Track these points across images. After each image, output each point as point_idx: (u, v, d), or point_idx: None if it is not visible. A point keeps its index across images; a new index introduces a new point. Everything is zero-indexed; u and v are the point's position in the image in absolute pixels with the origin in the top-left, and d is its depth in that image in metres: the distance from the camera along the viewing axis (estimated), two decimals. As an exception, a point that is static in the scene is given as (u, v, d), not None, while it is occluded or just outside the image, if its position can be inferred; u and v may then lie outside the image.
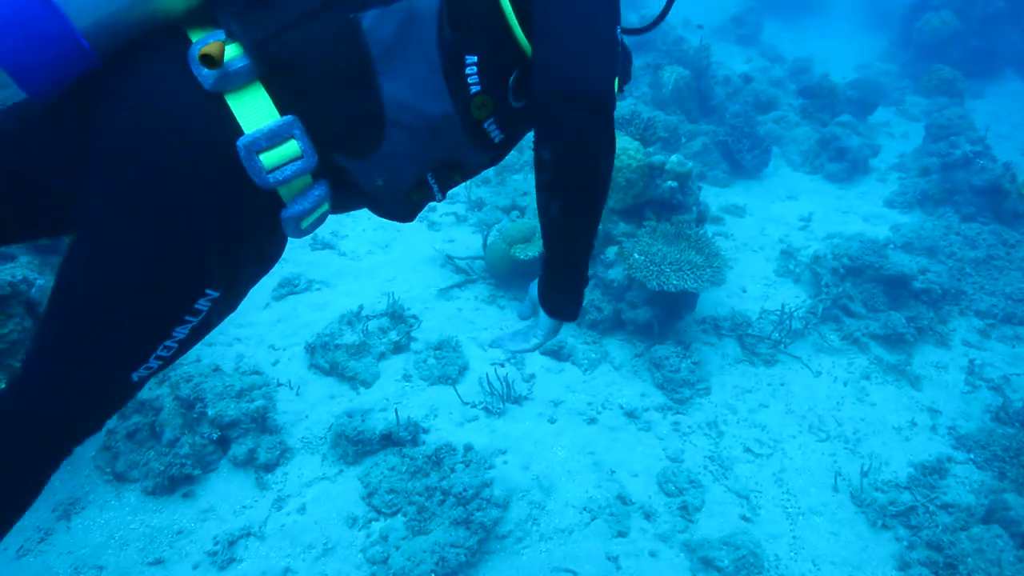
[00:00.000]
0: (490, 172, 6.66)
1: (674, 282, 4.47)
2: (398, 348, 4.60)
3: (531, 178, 6.22)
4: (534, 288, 1.72)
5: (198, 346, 4.44)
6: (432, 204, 6.19)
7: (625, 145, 4.82)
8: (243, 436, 3.78)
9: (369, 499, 3.62)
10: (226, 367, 4.39)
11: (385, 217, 1.63)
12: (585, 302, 4.86)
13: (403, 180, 1.51)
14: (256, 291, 4.96)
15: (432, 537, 3.38)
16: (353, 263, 5.56)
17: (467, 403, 4.26)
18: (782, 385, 4.72)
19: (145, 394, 3.86)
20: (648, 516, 3.73)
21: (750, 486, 3.97)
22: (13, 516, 1.46)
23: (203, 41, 1.31)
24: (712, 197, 7.03)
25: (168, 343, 1.40)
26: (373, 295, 5.05)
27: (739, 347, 4.99)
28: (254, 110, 1.31)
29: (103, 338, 1.36)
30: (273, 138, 1.30)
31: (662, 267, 4.52)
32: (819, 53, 12.20)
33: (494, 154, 1.61)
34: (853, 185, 7.63)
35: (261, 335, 4.71)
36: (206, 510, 3.56)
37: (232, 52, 1.30)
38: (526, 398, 4.39)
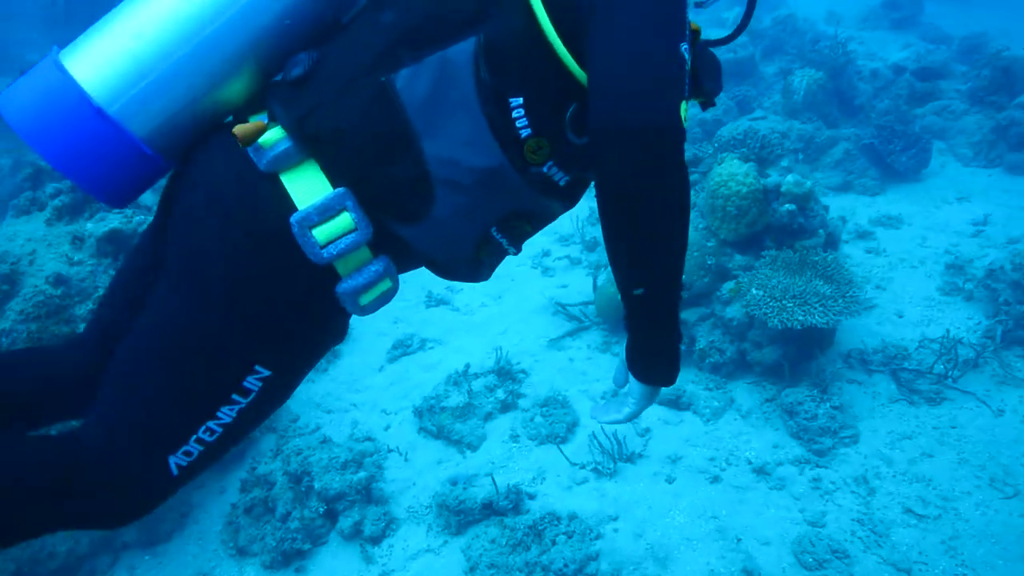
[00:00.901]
0: (607, 209, 6.41)
1: (799, 318, 3.95)
2: (505, 407, 4.46)
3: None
4: (623, 351, 1.52)
5: (317, 414, 4.61)
6: (546, 248, 6.07)
7: (733, 170, 4.40)
8: (349, 508, 3.80)
9: (471, 574, 3.47)
10: (342, 434, 4.49)
11: (456, 280, 1.56)
12: (704, 343, 4.46)
13: (465, 240, 1.43)
14: (371, 354, 5.10)
15: (532, 619, 3.15)
16: (466, 318, 5.54)
17: (575, 464, 4.00)
18: (952, 428, 3.98)
19: (261, 468, 4.03)
20: (782, 594, 3.24)
21: (912, 556, 3.33)
22: None
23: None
24: (861, 208, 6.27)
25: (212, 424, 1.36)
26: (483, 351, 4.97)
27: (894, 384, 4.29)
28: (307, 186, 1.32)
29: (144, 406, 1.37)
30: (325, 212, 1.30)
31: (783, 302, 4.01)
32: (995, 27, 10.66)
33: (566, 198, 1.49)
34: (1044, 176, 6.46)
35: (375, 399, 4.78)
36: (315, 585, 3.60)
37: (276, 134, 1.32)
38: (640, 455, 4.05)
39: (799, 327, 3.95)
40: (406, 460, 4.24)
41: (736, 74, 8.41)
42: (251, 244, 1.33)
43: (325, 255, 1.31)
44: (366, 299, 1.40)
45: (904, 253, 5.54)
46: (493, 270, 1.55)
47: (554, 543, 3.43)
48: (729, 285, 4.38)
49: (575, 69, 1.29)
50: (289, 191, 1.32)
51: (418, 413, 4.47)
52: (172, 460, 1.37)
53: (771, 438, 4.06)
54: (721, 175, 4.44)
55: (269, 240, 1.32)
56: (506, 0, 1.29)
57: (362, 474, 3.86)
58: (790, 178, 4.26)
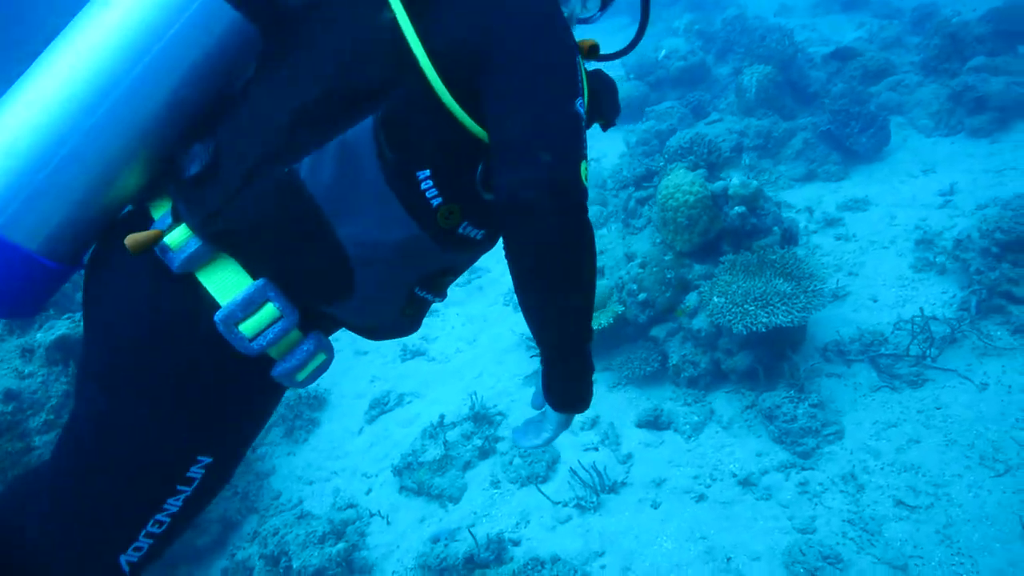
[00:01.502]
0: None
1: (763, 320, 3.86)
2: (484, 453, 4.37)
3: (613, 231, 5.85)
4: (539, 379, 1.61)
5: (299, 486, 4.53)
6: (511, 285, 6.02)
7: (678, 180, 4.36)
8: (330, 581, 3.70)
9: (459, 634, 3.36)
10: (324, 504, 4.42)
11: (383, 339, 1.59)
12: (676, 358, 4.37)
13: (390, 307, 1.47)
14: (350, 417, 5.03)
15: (519, 675, 3.03)
16: (442, 366, 5.47)
17: (557, 502, 3.90)
18: (937, 409, 3.84)
19: (240, 554, 3.95)
20: (777, 611, 3.10)
21: (907, 551, 3.19)
22: None
23: (158, 224, 1.35)
24: (828, 195, 6.19)
25: (160, 517, 1.36)
26: (460, 398, 4.90)
27: (874, 372, 4.17)
28: (225, 281, 1.31)
29: (86, 513, 1.35)
30: (248, 306, 1.30)
31: (745, 306, 3.93)
32: (945, -7, 10.65)
33: (485, 246, 1.52)
34: (1008, 136, 6.35)
35: (355, 464, 4.71)
36: (303, 667, 3.49)
37: (183, 235, 1.30)
38: (623, 483, 3.94)
39: (764, 329, 3.86)
40: (388, 523, 4.15)
41: (689, 81, 8.42)
42: (178, 348, 1.32)
43: (255, 347, 1.31)
44: (302, 376, 1.42)
45: (874, 235, 5.44)
46: (420, 322, 1.60)
47: (537, 591, 3.32)
48: (693, 296, 4.30)
49: (478, 131, 1.30)
50: (209, 289, 1.31)
51: (397, 472, 4.39)
52: (123, 559, 1.36)
53: (754, 446, 3.94)
54: (668, 187, 4.40)
55: (196, 341, 1.31)
56: (398, 70, 1.27)
57: (341, 545, 3.78)
58: (736, 180, 4.20)
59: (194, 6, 1.30)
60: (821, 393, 4.08)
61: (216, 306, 1.30)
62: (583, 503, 3.85)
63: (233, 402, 1.40)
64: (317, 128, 1.28)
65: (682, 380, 4.39)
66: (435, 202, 1.34)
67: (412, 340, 5.82)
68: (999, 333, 4.17)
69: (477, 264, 6.64)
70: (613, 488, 3.91)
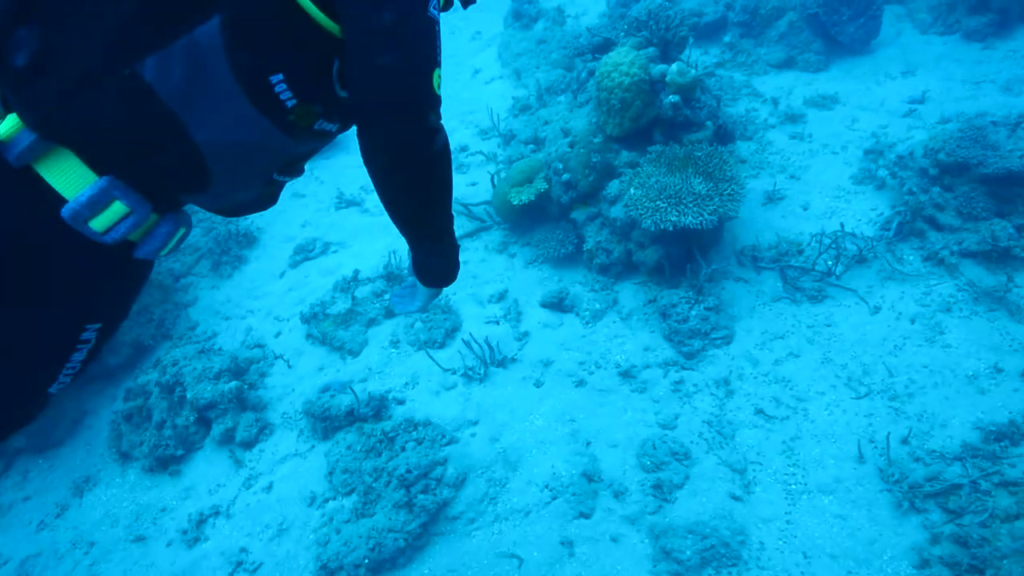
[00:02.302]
0: (532, 98, 6.11)
1: (672, 218, 3.81)
2: (389, 312, 4.47)
3: (563, 102, 5.61)
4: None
5: (215, 321, 4.68)
6: (464, 143, 5.88)
7: (618, 59, 4.10)
8: (222, 416, 3.92)
9: (330, 477, 3.62)
10: (235, 341, 4.58)
11: (245, 215, 1.71)
12: (591, 243, 4.36)
13: (248, 193, 1.52)
14: (275, 260, 5.08)
15: (372, 521, 3.30)
16: (374, 219, 5.45)
17: (447, 369, 4.05)
18: (828, 327, 3.91)
19: (141, 378, 4.14)
20: (618, 495, 3.34)
21: (750, 457, 3.38)
22: None
23: None
24: (800, 87, 5.88)
25: (69, 366, 1.49)
26: (381, 255, 4.92)
27: (780, 282, 4.19)
28: (67, 177, 1.28)
29: (17, 364, 1.46)
30: (94, 206, 1.28)
31: (657, 202, 3.86)
32: None
33: (341, 133, 1.56)
34: (1002, 42, 5.93)
35: (271, 306, 4.82)
36: (188, 488, 3.79)
37: (14, 124, 1.24)
38: (513, 360, 4.07)
39: (671, 228, 3.82)
40: (289, 367, 4.32)
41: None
42: (35, 244, 1.31)
43: (108, 240, 1.32)
44: (166, 250, 1.47)
45: (829, 137, 5.24)
46: (278, 197, 1.67)
47: (403, 449, 3.53)
48: (615, 183, 4.20)
49: (332, 27, 1.27)
50: (51, 183, 1.27)
51: (305, 320, 4.51)
52: (52, 389, 1.52)
53: (645, 340, 4.04)
54: (607, 64, 4.15)
55: (48, 232, 1.29)
56: None
57: (234, 383, 3.95)
58: (674, 67, 3.95)
59: None
60: (721, 297, 4.12)
61: (62, 200, 1.27)
62: (470, 373, 4.00)
63: (105, 278, 1.43)
64: (161, 24, 1.21)
65: (594, 266, 4.41)
66: (289, 103, 1.32)
67: (351, 189, 5.75)
68: (911, 258, 4.15)
69: (466, 143, 6.42)
70: (502, 363, 4.05)
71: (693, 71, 3.96)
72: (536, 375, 3.97)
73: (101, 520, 3.73)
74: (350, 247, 5.19)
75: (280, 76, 1.29)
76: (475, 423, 3.76)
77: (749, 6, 6.35)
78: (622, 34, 4.94)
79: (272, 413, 4.05)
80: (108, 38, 1.21)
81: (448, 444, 3.62)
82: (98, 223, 1.29)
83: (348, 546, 3.22)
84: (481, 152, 5.79)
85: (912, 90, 5.53)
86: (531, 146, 5.18)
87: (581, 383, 3.88)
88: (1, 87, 1.28)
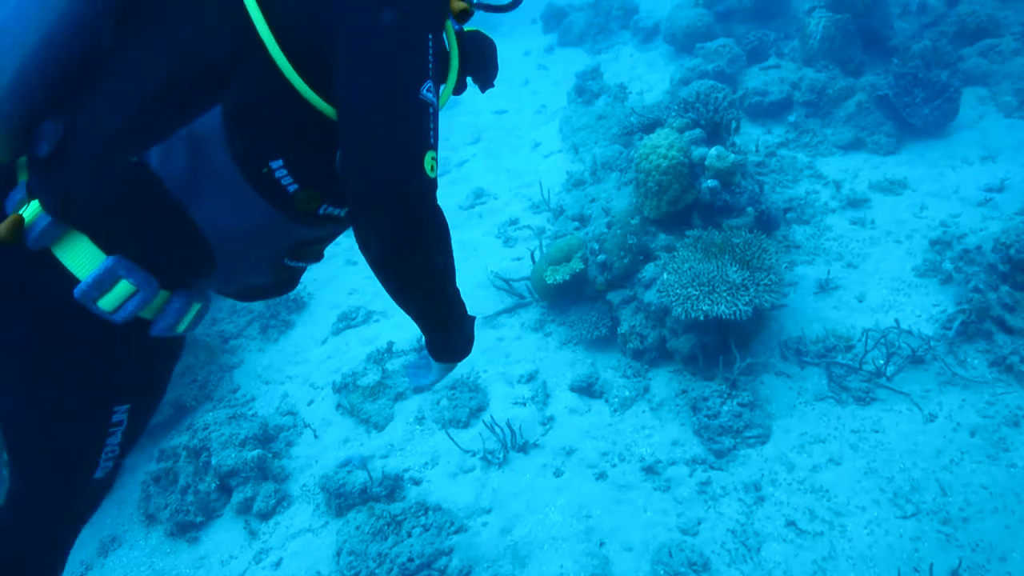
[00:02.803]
0: (587, 173, 6.10)
1: (704, 307, 3.64)
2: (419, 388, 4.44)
3: (612, 180, 5.57)
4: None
5: (256, 384, 4.79)
6: (515, 216, 5.91)
7: (657, 141, 4.05)
8: (243, 484, 3.96)
9: (337, 558, 3.56)
10: (270, 407, 4.66)
11: (260, 301, 1.69)
12: (626, 327, 4.23)
13: (257, 278, 1.54)
14: (320, 325, 5.19)
15: (369, 609, 3.20)
16: (418, 290, 5.50)
17: (467, 451, 3.96)
18: (875, 433, 3.59)
19: (175, 439, 4.25)
20: (627, 605, 3.11)
21: (775, 574, 3.09)
22: None
23: (10, 199, 1.38)
24: (867, 170, 5.62)
25: (107, 451, 1.54)
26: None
27: (825, 380, 3.90)
28: (79, 257, 1.35)
29: (55, 460, 1.53)
30: (100, 285, 1.33)
31: (689, 289, 3.71)
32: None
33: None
34: (1097, 127, 5.51)
35: (309, 372, 4.90)
36: (202, 557, 3.82)
37: (34, 210, 1.34)
38: (535, 445, 3.94)
39: (703, 318, 3.65)
40: (316, 437, 4.35)
41: (764, 14, 7.63)
42: (48, 321, 1.38)
43: (118, 319, 1.36)
44: (182, 327, 1.49)
45: (893, 225, 4.94)
46: (297, 281, 1.69)
47: (409, 535, 3.44)
48: (651, 267, 4.09)
49: (331, 112, 1.28)
50: (65, 263, 1.34)
51: (337, 389, 4.54)
52: (97, 474, 1.56)
53: (674, 434, 3.83)
54: (646, 146, 4.10)
55: (64, 312, 1.36)
56: (242, 48, 1.25)
57: (257, 452, 4.00)
58: (713, 151, 3.85)
59: None
60: (759, 392, 3.88)
61: (76, 280, 1.34)
62: (490, 457, 3.90)
63: (125, 357, 1.47)
64: (166, 114, 1.28)
65: (628, 351, 4.26)
66: (291, 188, 1.34)
67: (399, 258, 5.85)
68: (975, 362, 3.79)
69: (485, 189, 6.55)
70: (524, 448, 3.92)
71: (732, 155, 3.85)
72: (557, 463, 3.82)
73: (120, 581, 3.79)
74: (392, 317, 5.25)
75: (280, 162, 1.31)
76: (488, 511, 3.63)
77: (816, 86, 6.18)
78: (673, 114, 4.89)
79: (293, 484, 4.06)
80: (120, 128, 1.29)
81: (457, 532, 3.50)
82: (106, 302, 1.33)
83: (342, 634, 3.13)
84: (529, 226, 5.80)
85: (990, 177, 5.17)
86: (575, 223, 5.14)
87: (602, 476, 3.70)
88: (28, 175, 1.37)
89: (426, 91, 1.24)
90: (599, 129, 6.61)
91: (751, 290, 3.65)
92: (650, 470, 3.66)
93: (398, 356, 4.70)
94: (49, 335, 1.39)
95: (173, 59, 1.28)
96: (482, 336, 4.81)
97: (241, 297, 1.63)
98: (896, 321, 3.99)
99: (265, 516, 3.90)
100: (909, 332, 3.96)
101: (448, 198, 6.56)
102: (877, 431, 3.60)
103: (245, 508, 3.91)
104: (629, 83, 7.65)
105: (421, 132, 1.24)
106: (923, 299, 4.27)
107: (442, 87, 1.46)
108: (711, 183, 3.89)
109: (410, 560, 3.29)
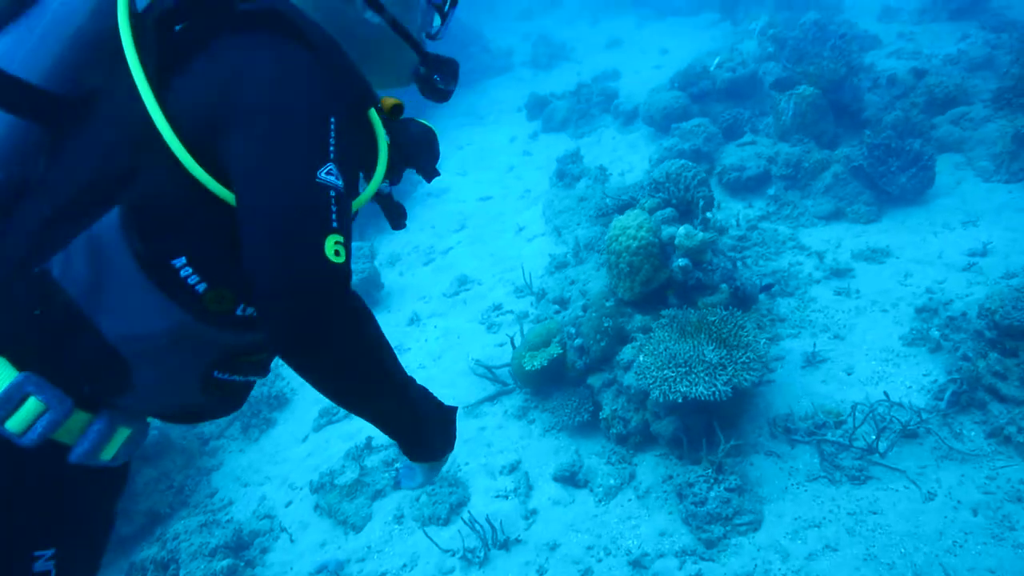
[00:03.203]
0: (570, 255, 6.10)
1: (681, 389, 3.53)
2: (397, 483, 4.29)
3: (591, 262, 5.56)
4: None
5: (234, 488, 4.62)
6: (499, 301, 5.86)
7: (626, 222, 4.04)
8: (212, 597, 3.76)
9: (307, 675, 3.33)
10: (247, 510, 4.49)
11: (201, 423, 1.55)
12: (607, 412, 4.10)
13: (184, 395, 1.39)
14: (301, 423, 5.05)
15: None
16: (401, 381, 5.40)
17: (447, 550, 3.77)
18: (872, 515, 3.40)
19: (144, 552, 4.08)
20: None
21: None
22: None
23: None
24: (849, 239, 5.60)
25: None
26: (400, 419, 4.81)
27: (817, 459, 3.74)
28: None
29: None
30: (7, 402, 1.23)
31: (665, 371, 3.61)
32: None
33: None
34: (1076, 188, 5.50)
35: (288, 473, 4.75)
36: (167, 678, 3.58)
37: None
38: (518, 541, 3.75)
39: (680, 400, 3.54)
40: (292, 541, 4.16)
41: (737, 94, 7.82)
42: None
43: (27, 442, 1.24)
44: (108, 454, 1.35)
45: (878, 294, 4.87)
46: (243, 400, 1.53)
47: (381, 648, 3.23)
48: (628, 348, 4.00)
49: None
50: None
51: (314, 490, 4.39)
52: None
53: (661, 524, 3.64)
54: (616, 227, 4.09)
55: None
56: (145, 147, 1.21)
57: (227, 562, 3.82)
58: (681, 230, 3.84)
59: None
60: (748, 475, 3.71)
61: None
62: (470, 556, 3.70)
63: (43, 492, 1.34)
64: (67, 224, 1.23)
65: (611, 436, 4.12)
66: (200, 288, 1.26)
67: (383, 349, 5.79)
68: (972, 434, 3.63)
69: (469, 275, 6.55)
70: (505, 545, 3.73)
71: (701, 234, 3.82)
72: (540, 560, 3.62)
73: None
74: (374, 410, 5.12)
75: (183, 259, 1.24)
76: (467, 618, 3.42)
77: (792, 159, 6.25)
78: (645, 195, 4.92)
79: (265, 594, 3.86)
80: (31, 240, 1.24)
81: (432, 643, 3.28)
82: (13, 423, 1.22)
83: None
84: (511, 311, 5.75)
85: (973, 241, 5.13)
86: (556, 306, 5.09)
87: (587, 572, 3.49)
88: None
89: (325, 174, 1.17)
90: (580, 211, 6.67)
91: (729, 369, 3.54)
92: (636, 564, 3.46)
93: (377, 451, 4.56)
94: None
95: (84, 174, 1.26)
96: (464, 426, 4.68)
97: (179, 420, 1.51)
98: (886, 394, 3.86)
99: (234, 631, 3.68)
100: (900, 405, 3.82)
101: (433, 286, 6.56)
102: (875, 512, 3.41)
103: (212, 624, 3.70)
104: (611, 164, 7.78)
105: (318, 217, 1.14)
106: (913, 369, 4.14)
107: (372, 176, 1.41)
108: (682, 262, 3.85)
109: (381, 677, 3.06)
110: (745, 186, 6.47)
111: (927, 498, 3.39)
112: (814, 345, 4.45)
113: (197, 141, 1.20)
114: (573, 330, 4.24)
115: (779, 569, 3.27)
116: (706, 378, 3.54)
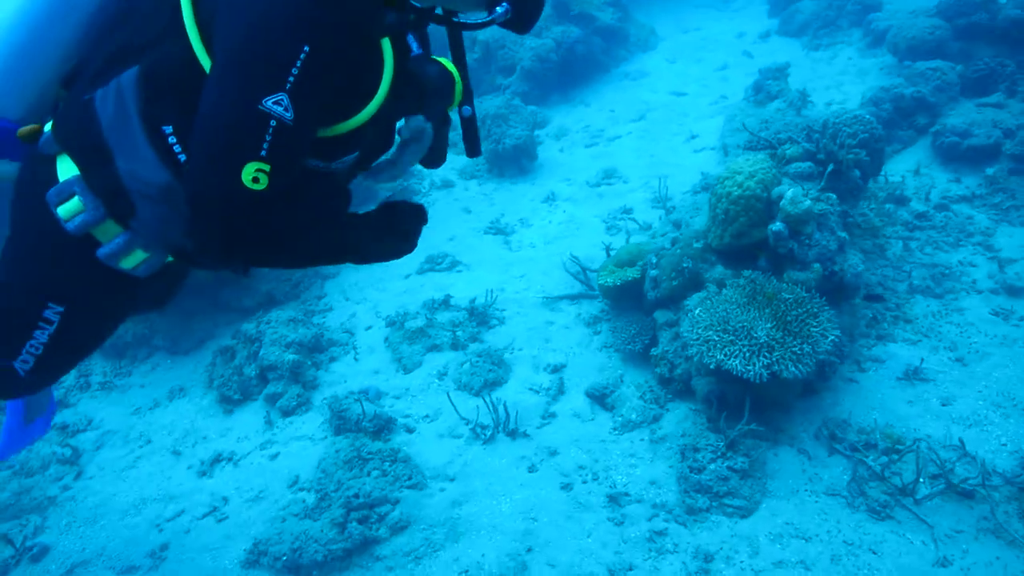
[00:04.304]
0: (724, 178, 5.66)
1: (717, 356, 3.35)
2: (455, 345, 4.61)
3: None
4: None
5: (338, 298, 5.29)
6: (632, 205, 5.73)
7: (739, 166, 3.69)
8: (277, 380, 4.45)
9: (316, 469, 3.92)
10: (337, 320, 5.10)
11: (206, 269, 1.88)
12: (659, 350, 4.02)
13: (177, 237, 1.61)
14: (409, 260, 5.55)
15: (309, 525, 3.53)
16: (508, 253, 5.59)
17: (463, 418, 4.08)
18: (871, 553, 3.11)
19: (246, 324, 4.83)
20: (520, 617, 3.11)
21: (672, 653, 2.89)
22: None
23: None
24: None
25: (32, 344, 1.71)
26: (489, 287, 5.06)
27: (847, 477, 3.42)
28: (64, 170, 1.57)
29: None
30: (61, 194, 1.54)
31: (710, 332, 3.42)
32: None
33: None
34: None
35: (381, 301, 5.26)
36: (228, 428, 4.40)
37: (49, 125, 1.61)
38: (525, 435, 3.95)
39: (713, 366, 3.37)
40: (356, 360, 4.72)
41: (1017, 40, 6.29)
42: (28, 214, 1.63)
43: (69, 228, 1.54)
44: (128, 264, 1.61)
45: (1051, 324, 4.04)
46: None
47: (368, 474, 3.68)
48: (697, 297, 3.79)
49: None
50: (58, 171, 1.57)
51: (389, 323, 4.85)
52: (16, 364, 1.74)
53: (657, 473, 3.62)
54: (728, 169, 3.74)
55: (39, 211, 1.58)
56: (174, 28, 1.45)
57: (294, 357, 4.45)
58: (790, 192, 3.41)
59: None
60: (767, 464, 3.51)
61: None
62: (479, 431, 3.98)
63: (72, 267, 1.63)
64: (112, 68, 1.51)
65: (656, 374, 4.04)
66: (181, 158, 1.45)
67: (509, 217, 5.96)
68: (1040, 520, 3.08)
69: (619, 169, 6.35)
70: (513, 434, 3.95)
71: (808, 202, 3.38)
72: (536, 460, 3.81)
73: (167, 425, 4.50)
74: (471, 271, 5.41)
75: (171, 128, 1.44)
76: (451, 480, 3.76)
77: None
78: (801, 139, 4.36)
79: (318, 394, 4.48)
80: (91, 72, 1.54)
81: (412, 488, 3.68)
82: (63, 211, 1.53)
83: (280, 537, 3.48)
84: (636, 220, 5.57)
85: None
86: (672, 228, 4.86)
87: (567, 487, 3.63)
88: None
89: (272, 104, 1.24)
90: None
91: (775, 354, 3.27)
92: (613, 499, 3.52)
93: (452, 310, 4.88)
94: (30, 218, 1.63)
95: (126, 35, 1.51)
96: (536, 316, 4.82)
97: (184, 260, 1.71)
98: (960, 440, 3.35)
99: (286, 412, 4.37)
100: (972, 458, 3.31)
101: (583, 170, 6.47)
102: (874, 552, 3.12)
103: (271, 400, 4.41)
104: (826, 91, 6.84)
105: (245, 143, 1.25)
106: (1022, 429, 3.50)
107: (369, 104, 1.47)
108: (778, 226, 3.46)
109: (356, 496, 3.54)
110: (963, 156, 5.43)
111: (939, 563, 3.01)
112: (922, 360, 3.89)
113: (205, 25, 1.38)
114: (654, 259, 4.08)
115: (742, 562, 3.17)
116: (745, 353, 3.31)
